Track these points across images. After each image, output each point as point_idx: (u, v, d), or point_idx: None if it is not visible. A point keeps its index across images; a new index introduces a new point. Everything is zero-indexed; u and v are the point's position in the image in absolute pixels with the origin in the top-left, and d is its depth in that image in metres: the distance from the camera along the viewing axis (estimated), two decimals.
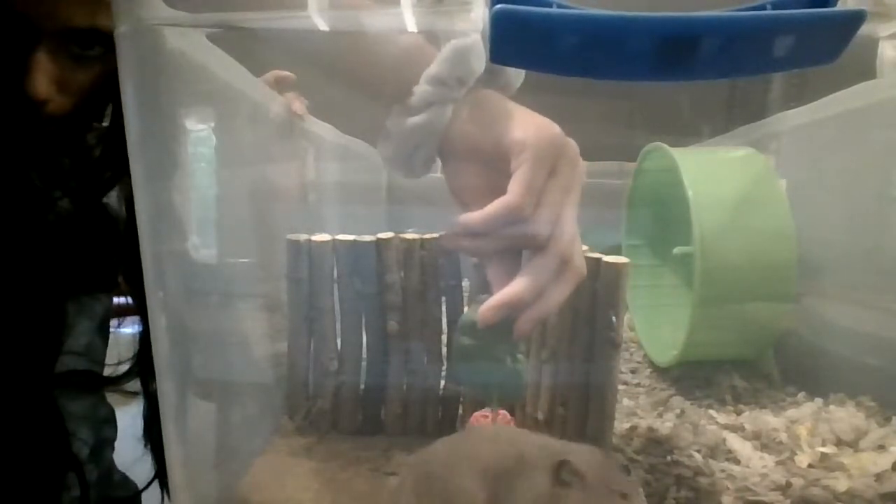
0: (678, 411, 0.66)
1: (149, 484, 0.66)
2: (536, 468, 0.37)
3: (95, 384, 0.64)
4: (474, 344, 0.43)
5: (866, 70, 0.63)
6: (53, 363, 0.58)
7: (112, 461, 0.71)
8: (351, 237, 0.57)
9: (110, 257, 0.61)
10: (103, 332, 0.68)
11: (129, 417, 0.69)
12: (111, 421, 0.70)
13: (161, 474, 0.64)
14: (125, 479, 0.72)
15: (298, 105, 0.68)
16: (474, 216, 0.42)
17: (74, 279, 0.60)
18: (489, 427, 0.50)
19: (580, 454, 0.38)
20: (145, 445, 0.64)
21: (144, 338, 0.62)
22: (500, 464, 0.38)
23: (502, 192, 0.42)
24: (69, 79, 0.50)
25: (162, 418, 0.43)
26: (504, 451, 0.39)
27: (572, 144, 0.44)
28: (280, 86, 0.68)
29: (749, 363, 0.75)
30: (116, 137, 0.58)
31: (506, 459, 0.38)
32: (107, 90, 0.53)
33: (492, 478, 0.37)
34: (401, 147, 0.48)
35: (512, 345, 0.43)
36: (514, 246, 0.44)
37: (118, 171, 0.60)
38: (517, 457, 0.38)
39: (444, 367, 0.59)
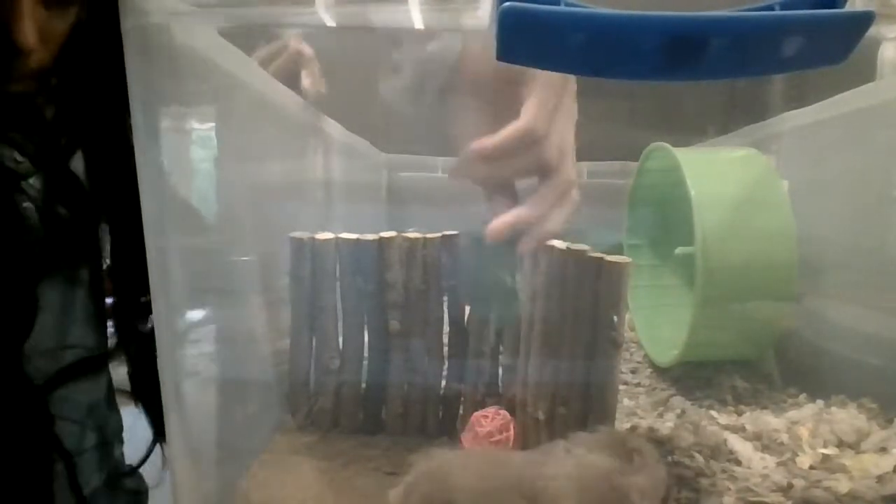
0: (679, 411, 0.66)
1: (147, 456, 0.66)
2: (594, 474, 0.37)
3: (93, 366, 0.63)
4: (479, 263, 0.46)
5: (866, 71, 0.63)
6: (23, 343, 0.56)
7: (121, 453, 0.70)
8: (354, 236, 0.57)
9: (83, 226, 0.60)
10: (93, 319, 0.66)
11: (129, 417, 0.69)
12: (115, 412, 0.69)
13: (155, 424, 0.63)
14: (132, 470, 0.72)
15: (310, 81, 0.67)
16: (488, 140, 0.44)
17: (50, 254, 0.58)
18: (505, 451, 0.50)
19: (624, 439, 0.38)
20: (134, 401, 0.64)
21: (119, 297, 0.61)
22: (551, 483, 0.37)
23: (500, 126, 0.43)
24: (49, 29, 0.49)
25: (164, 416, 0.43)
26: (550, 468, 0.38)
27: (573, 79, 0.46)
28: (299, 60, 0.67)
29: (750, 363, 0.75)
30: (69, 96, 0.55)
31: (558, 481, 0.38)
32: (76, 43, 0.51)
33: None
34: (411, 77, 0.49)
35: (512, 267, 0.45)
36: (522, 173, 0.46)
37: (76, 135, 0.58)
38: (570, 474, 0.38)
39: (445, 367, 0.59)
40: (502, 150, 0.43)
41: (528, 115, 0.43)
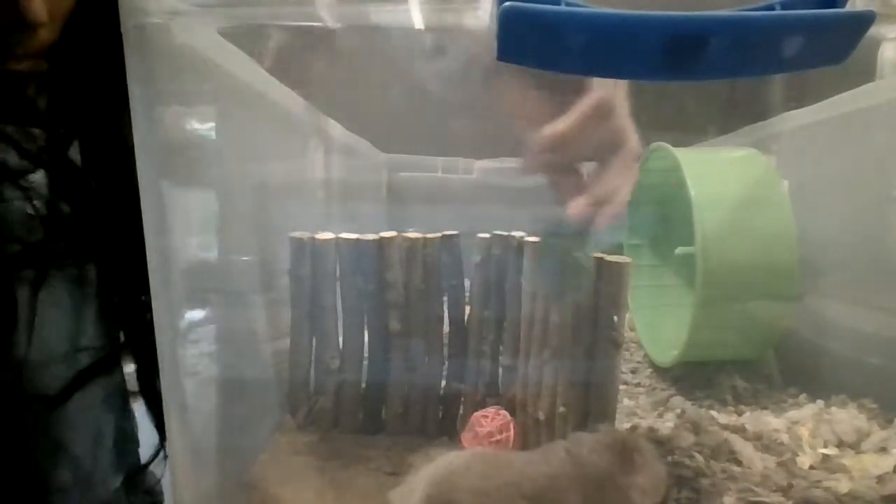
0: (679, 411, 0.66)
1: (156, 455, 0.66)
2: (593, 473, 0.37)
3: (107, 366, 0.63)
4: (555, 242, 0.49)
5: (866, 71, 0.63)
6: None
7: (137, 453, 0.70)
8: (354, 236, 0.57)
9: (88, 222, 0.59)
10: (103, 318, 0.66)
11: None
12: (130, 411, 0.69)
13: (159, 423, 0.63)
14: (143, 468, 0.71)
15: None
16: (560, 123, 0.42)
17: (55, 253, 0.57)
18: (506, 451, 0.50)
19: (624, 439, 0.38)
20: (145, 404, 0.64)
21: (119, 294, 0.61)
22: (554, 483, 0.37)
23: (561, 103, 0.42)
24: (55, 4, 0.49)
25: (165, 415, 0.43)
26: (551, 468, 0.38)
27: None
28: None
29: (750, 363, 0.75)
30: (65, 83, 0.54)
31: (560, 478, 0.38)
32: (75, 26, 0.51)
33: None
34: (455, 59, 0.47)
35: (582, 245, 0.48)
36: (595, 150, 0.44)
37: (73, 125, 0.56)
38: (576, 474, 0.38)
39: (445, 367, 0.59)
40: (577, 129, 0.42)
41: (595, 87, 0.41)
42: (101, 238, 0.60)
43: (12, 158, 0.54)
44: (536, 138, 0.43)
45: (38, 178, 0.56)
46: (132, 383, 0.65)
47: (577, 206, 0.43)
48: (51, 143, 0.56)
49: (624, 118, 0.43)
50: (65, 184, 0.57)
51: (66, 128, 0.57)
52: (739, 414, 0.65)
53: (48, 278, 0.56)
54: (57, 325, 0.57)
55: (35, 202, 0.55)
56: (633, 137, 0.44)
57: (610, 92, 0.42)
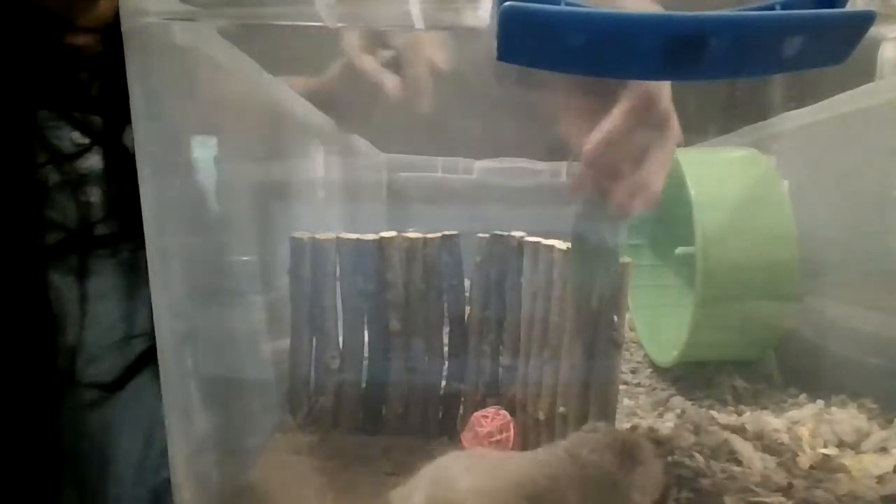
0: (679, 411, 0.66)
1: None
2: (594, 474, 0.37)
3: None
4: (589, 227, 0.48)
5: (866, 71, 0.63)
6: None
7: None
8: (354, 236, 0.57)
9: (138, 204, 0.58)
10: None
11: None
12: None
13: None
14: None
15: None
16: (607, 123, 0.40)
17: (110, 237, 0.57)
18: (506, 451, 0.50)
19: (624, 438, 0.38)
20: None
21: None
22: (555, 483, 0.37)
23: (605, 94, 0.41)
24: None
25: (165, 414, 0.43)
26: (548, 469, 0.38)
27: None
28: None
29: (750, 363, 0.75)
30: (113, 69, 0.55)
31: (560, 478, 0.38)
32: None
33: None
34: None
35: (615, 230, 0.47)
36: (643, 142, 0.43)
37: (126, 109, 0.57)
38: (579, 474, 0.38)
39: (445, 367, 0.59)
40: (624, 126, 0.40)
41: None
42: None
43: (66, 144, 0.54)
44: (584, 154, 0.41)
45: (91, 164, 0.55)
46: None
47: (620, 196, 0.42)
48: (105, 128, 0.56)
49: (668, 102, 0.42)
50: (118, 169, 0.56)
51: (119, 112, 0.57)
52: (739, 414, 0.65)
53: (101, 265, 0.56)
54: (110, 312, 0.56)
55: (88, 188, 0.55)
56: (675, 121, 0.42)
57: (654, 85, 0.40)
